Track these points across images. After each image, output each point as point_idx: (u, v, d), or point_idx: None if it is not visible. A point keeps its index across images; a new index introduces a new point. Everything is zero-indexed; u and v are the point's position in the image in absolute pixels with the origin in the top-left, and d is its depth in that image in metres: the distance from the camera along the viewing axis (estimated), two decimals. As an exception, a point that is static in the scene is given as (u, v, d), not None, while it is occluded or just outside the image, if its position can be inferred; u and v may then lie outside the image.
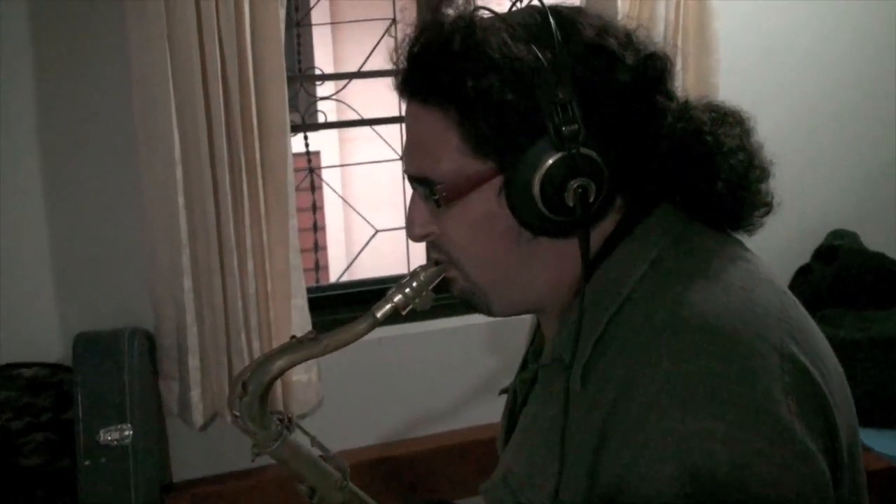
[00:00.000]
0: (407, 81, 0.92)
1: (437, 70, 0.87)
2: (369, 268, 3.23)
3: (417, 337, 2.63)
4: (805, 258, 2.91)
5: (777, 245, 2.84)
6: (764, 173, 0.92)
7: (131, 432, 2.18)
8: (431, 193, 0.91)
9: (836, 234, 2.89)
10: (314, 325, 2.49)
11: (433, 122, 0.88)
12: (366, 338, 2.58)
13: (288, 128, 2.29)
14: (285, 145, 2.29)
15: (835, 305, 2.68)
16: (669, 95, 0.90)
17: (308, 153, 2.64)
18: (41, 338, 2.31)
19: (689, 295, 0.82)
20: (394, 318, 0.97)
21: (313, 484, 1.05)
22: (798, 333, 0.82)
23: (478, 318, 2.79)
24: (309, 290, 2.46)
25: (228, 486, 2.46)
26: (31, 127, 2.22)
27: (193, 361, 2.31)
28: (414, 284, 0.96)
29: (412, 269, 0.98)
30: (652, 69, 0.88)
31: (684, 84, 2.49)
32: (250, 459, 1.00)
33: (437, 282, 0.97)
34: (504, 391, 1.12)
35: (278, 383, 2.40)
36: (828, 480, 0.76)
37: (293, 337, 0.96)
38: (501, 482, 0.97)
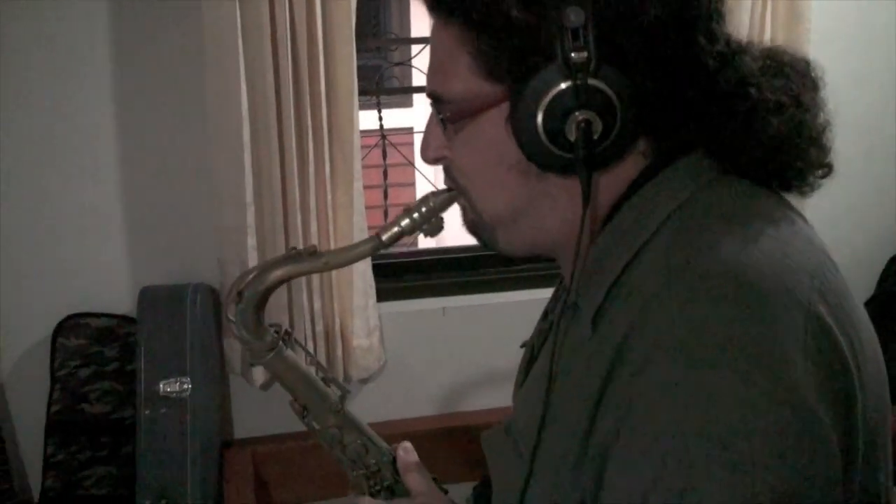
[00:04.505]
0: None
1: None
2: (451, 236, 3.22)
3: (482, 308, 2.60)
4: (899, 247, 2.76)
5: (870, 232, 2.72)
6: (819, 133, 0.83)
7: (190, 386, 2.22)
8: (439, 112, 0.87)
9: (934, 222, 2.73)
10: (378, 291, 2.49)
11: (449, 38, 0.84)
12: (430, 307, 2.60)
13: (356, 90, 2.29)
14: (352, 107, 2.29)
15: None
16: (712, 36, 0.81)
17: (381, 118, 2.63)
18: (112, 290, 2.39)
19: (714, 240, 0.75)
20: (398, 241, 0.93)
21: (306, 403, 1.02)
22: (831, 296, 0.74)
23: (543, 293, 2.75)
24: (373, 256, 2.45)
25: (288, 445, 2.48)
26: (106, 90, 2.29)
27: (255, 320, 2.33)
28: (423, 210, 0.92)
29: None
30: (689, 4, 0.80)
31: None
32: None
33: (447, 209, 0.93)
34: (525, 345, 1.08)
35: (339, 346, 2.41)
36: (834, 450, 0.68)
37: (293, 248, 0.94)
38: (504, 431, 0.93)
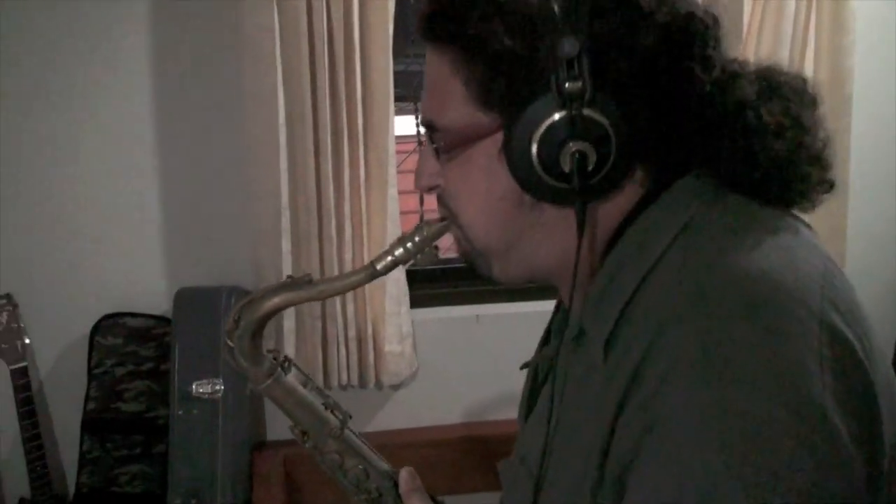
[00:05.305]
0: (421, 20, 0.88)
1: (446, 10, 0.83)
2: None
3: (516, 317, 2.58)
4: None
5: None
6: (818, 154, 0.82)
7: (222, 387, 2.25)
8: (432, 141, 0.87)
9: None
10: (412, 298, 2.49)
11: (443, 66, 0.83)
12: (464, 314, 2.58)
13: (391, 96, 2.29)
14: (388, 113, 2.29)
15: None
16: (708, 63, 0.81)
17: (417, 124, 2.63)
18: (149, 290, 2.42)
19: (723, 257, 0.75)
20: (393, 270, 0.93)
21: (307, 428, 1.02)
22: (841, 303, 0.73)
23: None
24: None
25: (319, 449, 2.48)
26: (145, 93, 2.32)
27: (289, 324, 2.35)
28: (417, 239, 0.91)
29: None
30: (686, 32, 0.79)
31: (815, 66, 2.32)
32: (246, 392, 0.99)
33: (440, 238, 0.93)
34: (526, 366, 1.07)
35: (371, 352, 2.42)
36: (855, 461, 0.67)
37: (289, 277, 0.94)
38: (519, 462, 0.93)
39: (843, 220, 2.37)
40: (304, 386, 1.02)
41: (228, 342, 0.97)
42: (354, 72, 2.23)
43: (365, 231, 2.36)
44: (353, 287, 0.94)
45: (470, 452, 2.51)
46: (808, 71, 2.32)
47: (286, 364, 1.00)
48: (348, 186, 2.31)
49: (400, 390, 2.57)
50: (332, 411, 1.04)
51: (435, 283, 2.61)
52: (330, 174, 2.27)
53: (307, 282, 0.94)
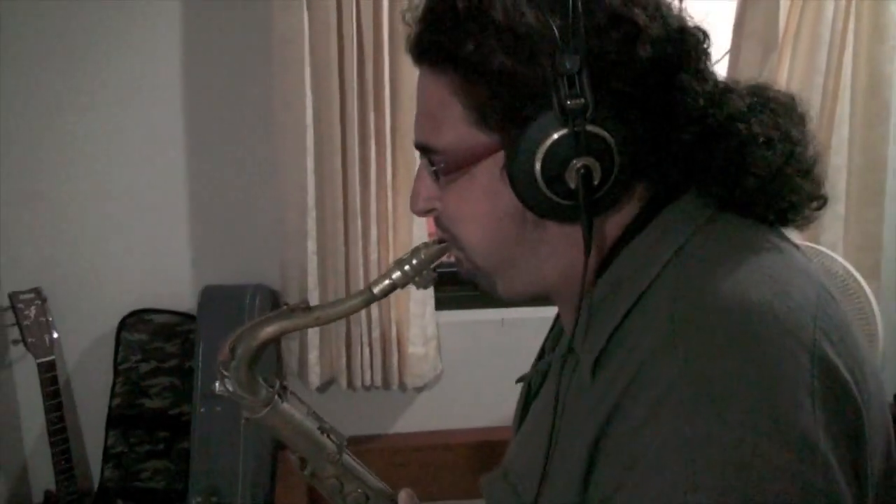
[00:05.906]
0: (414, 43, 0.86)
1: (441, 31, 0.81)
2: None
3: (541, 321, 2.53)
4: None
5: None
6: (808, 167, 0.82)
7: (245, 386, 2.25)
8: (431, 164, 0.85)
9: None
10: (437, 300, 2.48)
11: (439, 88, 0.82)
12: (489, 318, 2.56)
13: (420, 98, 2.26)
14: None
15: None
16: (700, 76, 0.81)
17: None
18: (175, 287, 2.44)
19: (715, 285, 0.73)
20: (390, 293, 0.92)
21: (305, 455, 1.01)
22: (834, 333, 0.72)
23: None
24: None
25: (341, 450, 2.49)
26: (175, 94, 2.33)
27: (313, 323, 2.35)
28: (414, 262, 0.91)
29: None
30: (679, 46, 0.79)
31: (853, 71, 2.26)
32: (241, 422, 0.98)
33: (438, 261, 0.92)
34: (521, 379, 1.06)
35: (395, 353, 2.41)
36: (844, 498, 0.66)
37: (285, 304, 0.93)
38: (502, 477, 0.91)
39: (879, 227, 2.30)
40: (300, 411, 1.01)
41: (224, 372, 0.96)
42: (383, 74, 2.22)
43: (391, 233, 2.35)
44: (350, 312, 0.93)
45: (493, 456, 2.48)
46: (846, 76, 2.26)
47: (283, 392, 0.99)
48: (375, 187, 2.30)
49: (423, 392, 2.56)
50: (328, 436, 1.03)
51: (461, 286, 2.59)
52: (357, 175, 2.26)
53: (304, 308, 0.93)
